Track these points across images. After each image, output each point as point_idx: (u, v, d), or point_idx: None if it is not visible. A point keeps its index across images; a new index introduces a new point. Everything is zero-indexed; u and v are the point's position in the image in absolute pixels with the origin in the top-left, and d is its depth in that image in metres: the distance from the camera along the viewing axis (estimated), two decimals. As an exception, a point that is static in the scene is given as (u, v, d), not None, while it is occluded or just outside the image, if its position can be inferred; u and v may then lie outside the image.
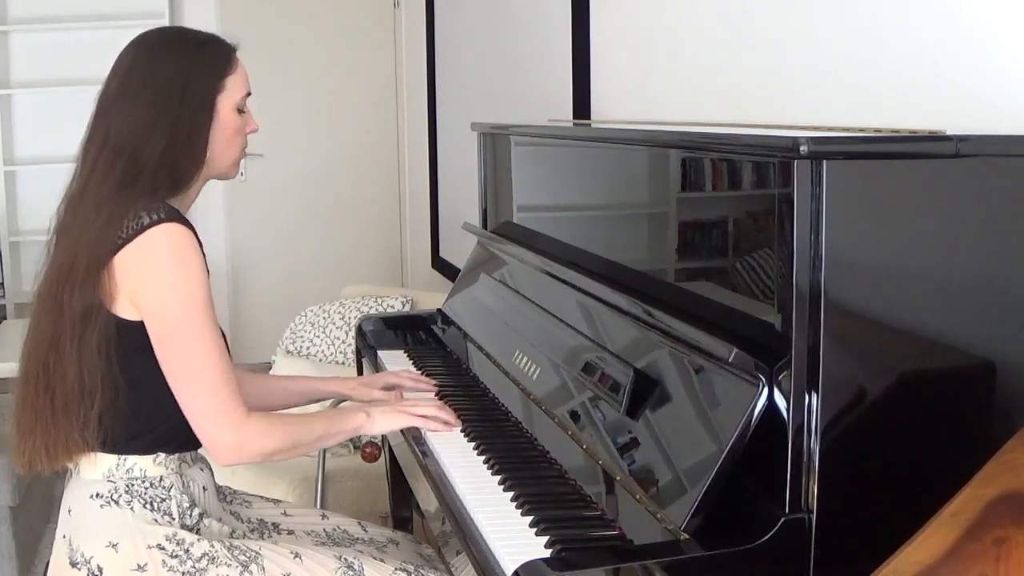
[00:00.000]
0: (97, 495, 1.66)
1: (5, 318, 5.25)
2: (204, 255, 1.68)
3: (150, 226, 1.61)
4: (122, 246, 1.61)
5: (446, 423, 1.84)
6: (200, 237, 1.68)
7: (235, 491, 1.95)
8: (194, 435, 1.74)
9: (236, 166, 1.80)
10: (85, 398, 1.63)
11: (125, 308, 1.64)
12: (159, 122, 1.66)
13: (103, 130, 1.69)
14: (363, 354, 2.52)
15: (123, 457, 1.67)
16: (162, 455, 1.69)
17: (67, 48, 5.37)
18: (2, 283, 5.39)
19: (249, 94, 1.79)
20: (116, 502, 1.66)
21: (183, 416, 1.67)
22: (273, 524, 1.89)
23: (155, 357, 1.64)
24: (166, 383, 1.65)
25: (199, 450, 1.78)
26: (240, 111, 1.76)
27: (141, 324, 1.64)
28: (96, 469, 1.68)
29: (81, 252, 1.63)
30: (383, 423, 1.84)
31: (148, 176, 1.65)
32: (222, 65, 1.74)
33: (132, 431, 1.67)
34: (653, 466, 1.38)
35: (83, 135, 1.72)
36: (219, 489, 1.87)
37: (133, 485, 1.67)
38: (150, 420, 1.67)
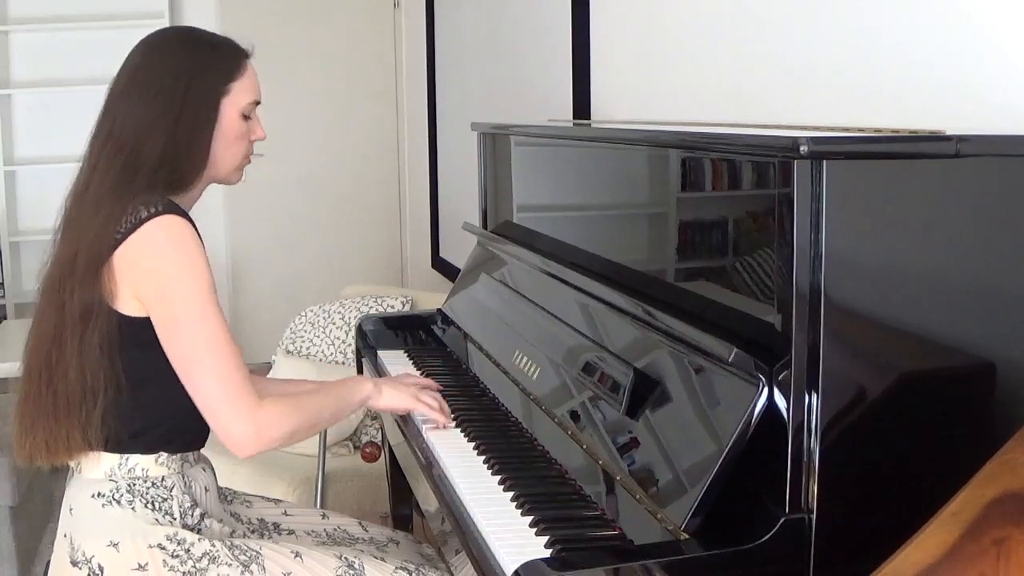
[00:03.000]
0: (99, 494, 1.66)
1: (5, 318, 5.25)
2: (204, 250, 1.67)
3: (148, 219, 1.61)
4: (121, 241, 1.61)
5: (445, 418, 1.86)
6: (200, 233, 1.68)
7: (235, 492, 1.95)
8: (197, 435, 1.74)
9: (238, 172, 1.80)
10: (87, 397, 1.63)
11: (127, 304, 1.63)
12: (161, 120, 1.67)
13: (108, 126, 1.70)
14: (363, 354, 2.52)
15: (125, 456, 1.67)
16: (164, 455, 1.69)
17: (67, 48, 5.37)
18: (2, 283, 5.39)
19: (258, 102, 1.79)
20: (118, 502, 1.66)
21: (186, 415, 1.67)
22: (273, 524, 1.89)
23: (159, 355, 1.63)
24: (169, 381, 1.64)
25: (202, 450, 1.78)
26: (246, 117, 1.76)
27: (144, 320, 1.64)
28: (98, 468, 1.68)
29: (81, 249, 1.63)
30: (389, 397, 1.86)
31: (147, 173, 1.65)
32: (229, 69, 1.73)
33: (134, 430, 1.67)
34: (653, 466, 1.38)
35: (91, 131, 1.72)
36: (220, 490, 1.87)
37: (135, 485, 1.67)
38: (153, 419, 1.67)
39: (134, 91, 1.69)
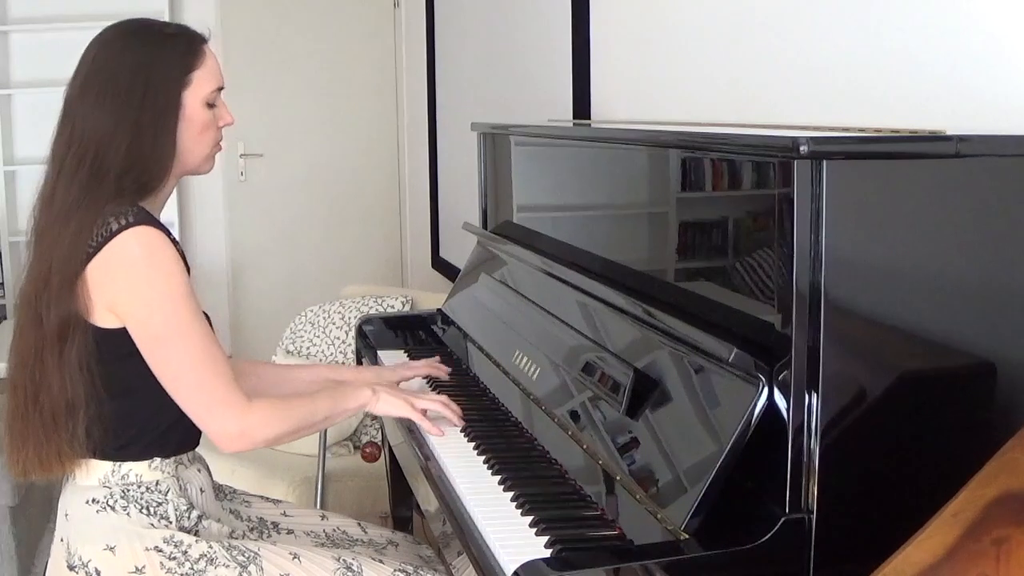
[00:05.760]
0: (93, 500, 1.66)
1: (5, 318, 5.25)
2: (182, 253, 1.65)
3: (119, 231, 1.58)
4: (93, 255, 1.58)
5: (448, 420, 1.84)
6: (174, 236, 1.65)
7: (235, 490, 1.94)
8: (189, 436, 1.73)
9: (209, 161, 1.75)
10: (70, 411, 1.62)
11: (103, 317, 1.61)
12: (122, 122, 1.62)
13: (68, 131, 1.65)
14: (363, 354, 2.52)
15: (118, 463, 1.67)
16: (158, 459, 1.68)
17: (67, 48, 5.31)
18: (2, 283, 5.39)
19: (221, 88, 1.73)
20: (112, 507, 1.65)
21: (174, 420, 1.66)
22: (273, 524, 1.89)
23: (139, 364, 1.62)
24: (153, 389, 1.63)
25: (197, 449, 1.78)
26: (210, 105, 1.70)
27: (122, 331, 1.62)
28: (91, 475, 1.67)
29: (55, 264, 1.61)
30: (386, 404, 1.82)
31: (114, 178, 1.62)
32: (187, 60, 1.68)
33: (124, 440, 1.66)
34: (653, 466, 1.38)
35: (52, 134, 1.68)
36: (219, 488, 1.87)
37: (129, 490, 1.66)
38: (141, 427, 1.67)
39: (90, 93, 1.64)
